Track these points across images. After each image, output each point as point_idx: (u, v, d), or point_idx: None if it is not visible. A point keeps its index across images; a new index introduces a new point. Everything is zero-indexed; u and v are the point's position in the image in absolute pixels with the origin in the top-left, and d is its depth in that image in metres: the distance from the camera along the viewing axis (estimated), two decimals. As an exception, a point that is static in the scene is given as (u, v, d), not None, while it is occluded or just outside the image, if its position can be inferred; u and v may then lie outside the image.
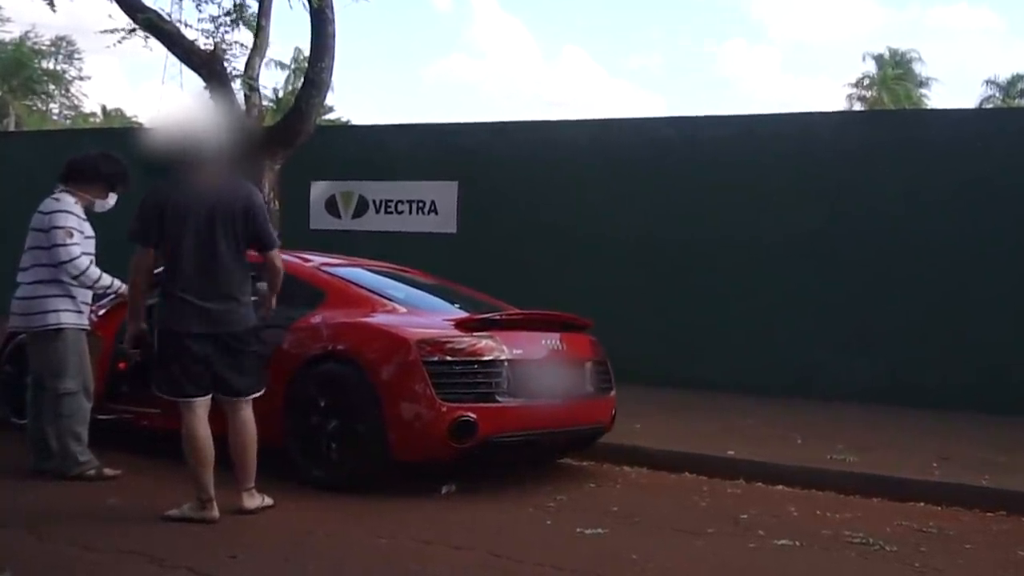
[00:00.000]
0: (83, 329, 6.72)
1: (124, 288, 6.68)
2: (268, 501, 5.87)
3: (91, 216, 6.80)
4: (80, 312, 6.67)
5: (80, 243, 6.54)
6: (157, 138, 5.88)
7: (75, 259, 6.48)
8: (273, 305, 6.03)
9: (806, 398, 11.28)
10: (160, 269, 5.82)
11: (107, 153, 7.05)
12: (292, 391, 6.70)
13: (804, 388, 11.56)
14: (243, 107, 11.67)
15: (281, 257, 6.03)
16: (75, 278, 6.53)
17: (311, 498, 6.26)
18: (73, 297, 6.59)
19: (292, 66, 46.73)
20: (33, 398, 6.73)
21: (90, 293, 6.77)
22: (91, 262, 6.61)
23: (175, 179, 5.76)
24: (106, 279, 6.65)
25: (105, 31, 12.12)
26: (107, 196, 6.86)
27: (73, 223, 6.56)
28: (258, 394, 5.87)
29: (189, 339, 5.61)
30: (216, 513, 5.59)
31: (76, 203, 6.67)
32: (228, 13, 12.12)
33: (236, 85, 11.85)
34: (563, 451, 7.77)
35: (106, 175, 6.85)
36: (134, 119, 56.02)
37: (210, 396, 5.73)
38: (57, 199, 6.64)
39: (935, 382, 11.20)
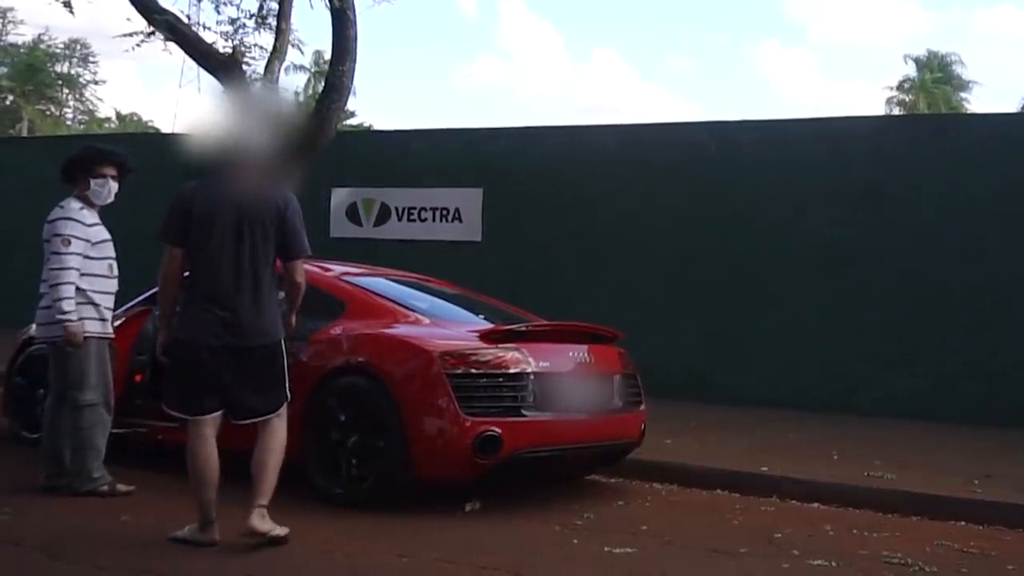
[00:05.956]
0: (107, 338, 6.60)
1: (72, 325, 6.32)
2: (282, 531, 5.41)
3: (107, 219, 6.65)
4: (104, 320, 6.54)
5: (80, 251, 6.38)
6: (200, 138, 5.65)
7: (62, 269, 6.31)
8: (292, 323, 5.77)
9: (843, 413, 11.12)
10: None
11: (82, 144, 6.90)
12: (311, 405, 6.59)
13: (841, 403, 11.40)
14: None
15: (303, 269, 5.75)
16: (51, 287, 6.34)
17: (330, 516, 6.15)
18: (96, 305, 6.46)
19: (312, 69, 46.75)
20: (51, 412, 6.58)
21: (112, 300, 6.63)
22: (72, 280, 6.33)
23: (207, 179, 5.51)
24: (66, 305, 6.29)
25: (123, 35, 12.06)
26: (89, 185, 6.60)
27: (75, 231, 6.39)
28: (284, 405, 5.59)
29: (208, 351, 5.34)
30: (216, 536, 5.35)
31: (82, 208, 6.53)
32: (253, 16, 12.04)
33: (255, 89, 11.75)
34: (591, 467, 7.69)
35: (77, 161, 6.65)
36: (150, 124, 56.45)
37: (220, 413, 5.46)
38: (62, 206, 6.52)
39: (977, 397, 11.02)
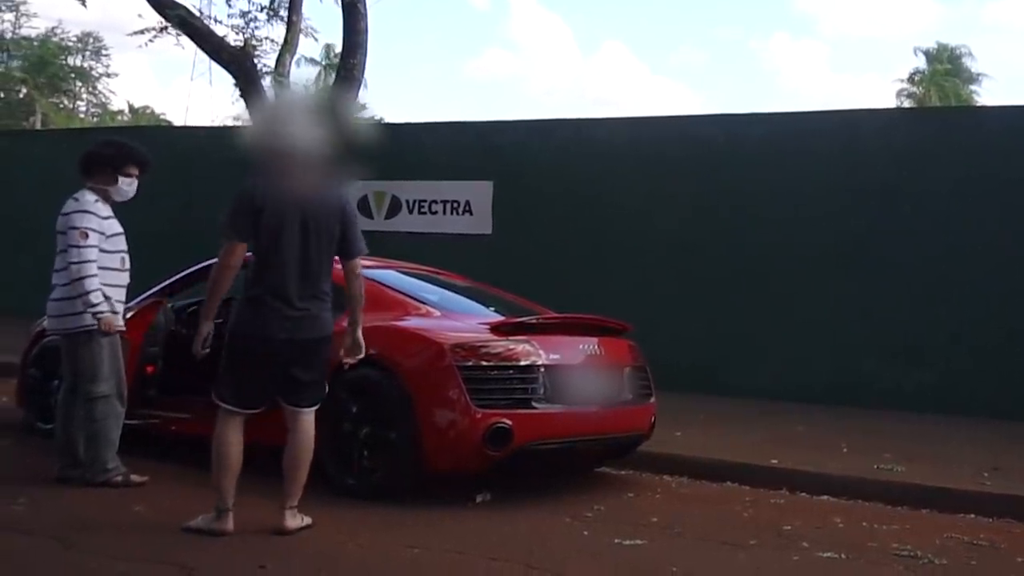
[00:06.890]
0: (118, 330, 6.58)
1: (105, 315, 6.35)
2: (307, 521, 5.61)
3: (119, 212, 6.65)
4: (115, 312, 6.51)
5: (97, 244, 6.37)
6: (261, 133, 5.68)
7: (84, 262, 6.29)
8: (360, 320, 5.85)
9: (853, 406, 11.09)
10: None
11: (108, 139, 6.92)
12: (323, 397, 6.58)
13: (851, 396, 11.37)
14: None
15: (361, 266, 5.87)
16: (73, 281, 6.31)
17: (342, 507, 6.16)
18: (108, 298, 6.41)
19: (323, 63, 46.71)
20: (64, 403, 6.61)
21: (124, 293, 6.63)
22: (96, 273, 6.33)
23: (271, 176, 5.53)
24: (94, 297, 6.31)
25: (136, 32, 12.13)
26: (117, 182, 6.62)
27: (91, 223, 6.39)
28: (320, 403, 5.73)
29: (271, 344, 5.40)
30: (231, 526, 5.41)
31: (97, 200, 6.52)
32: (264, 9, 12.10)
33: (266, 82, 11.81)
34: (601, 459, 7.68)
35: (107, 157, 6.65)
36: (163, 117, 56.49)
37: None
38: (76, 199, 6.50)
39: (986, 390, 10.99)
